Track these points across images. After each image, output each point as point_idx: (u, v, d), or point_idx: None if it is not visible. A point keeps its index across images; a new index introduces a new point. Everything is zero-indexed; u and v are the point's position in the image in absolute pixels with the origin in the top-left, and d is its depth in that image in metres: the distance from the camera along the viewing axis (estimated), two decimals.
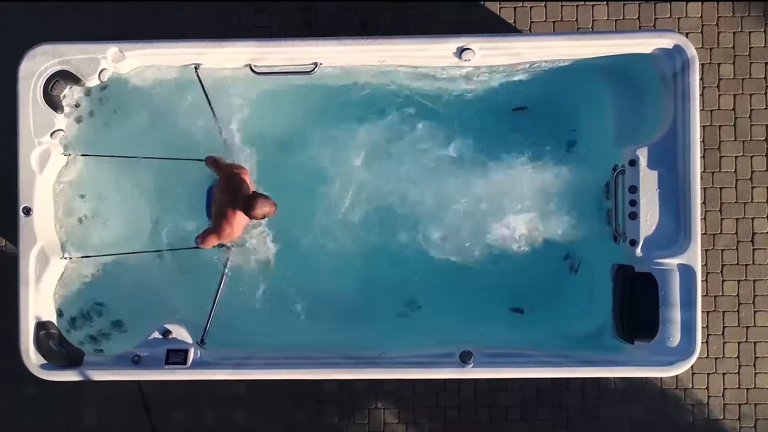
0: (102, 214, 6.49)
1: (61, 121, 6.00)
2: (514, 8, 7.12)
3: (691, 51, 5.73)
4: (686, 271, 5.73)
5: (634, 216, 5.84)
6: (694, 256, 5.72)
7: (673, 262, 5.76)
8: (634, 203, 5.84)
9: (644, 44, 5.84)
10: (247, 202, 5.53)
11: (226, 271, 6.16)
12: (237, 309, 6.30)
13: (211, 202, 6.10)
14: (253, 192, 5.68)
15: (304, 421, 7.12)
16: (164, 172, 6.43)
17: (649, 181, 5.79)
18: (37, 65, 5.89)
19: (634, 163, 5.82)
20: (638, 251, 5.83)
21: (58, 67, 5.91)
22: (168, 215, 6.55)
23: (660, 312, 5.76)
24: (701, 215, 6.01)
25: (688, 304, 5.72)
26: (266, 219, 5.90)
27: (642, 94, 6.08)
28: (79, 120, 6.21)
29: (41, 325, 5.96)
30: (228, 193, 5.75)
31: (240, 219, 5.69)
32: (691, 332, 5.72)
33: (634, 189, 5.83)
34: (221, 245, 6.16)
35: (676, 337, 5.74)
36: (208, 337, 6.03)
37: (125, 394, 7.10)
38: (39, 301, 5.97)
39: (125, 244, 6.41)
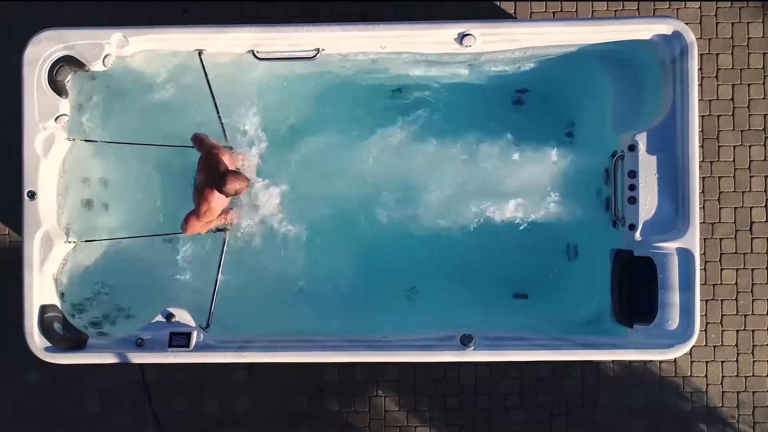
0: (106, 199, 6.54)
1: (65, 106, 6.05)
2: (515, 1, 7.17)
3: (690, 37, 5.79)
4: (685, 255, 5.79)
5: (633, 200, 5.89)
6: (693, 239, 5.78)
7: (671, 246, 5.81)
8: (633, 188, 5.89)
9: (643, 30, 5.90)
10: (219, 179, 5.67)
11: (224, 255, 6.18)
12: (239, 294, 6.33)
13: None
14: (225, 169, 5.76)
15: (305, 408, 7.15)
16: (167, 157, 6.47)
17: (648, 166, 5.84)
18: (42, 50, 5.94)
19: (633, 148, 5.87)
20: (637, 235, 5.89)
21: (63, 53, 5.96)
22: (171, 200, 6.58)
23: (659, 295, 5.81)
24: (700, 204, 6.05)
25: (686, 287, 5.78)
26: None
27: (641, 81, 6.14)
28: (83, 105, 6.27)
29: (45, 308, 6.00)
30: (204, 173, 5.88)
31: (216, 197, 5.80)
32: (690, 315, 5.77)
33: (633, 174, 5.88)
34: (218, 230, 6.21)
35: (675, 320, 5.79)
36: (212, 321, 6.07)
37: (127, 381, 7.12)
38: (43, 285, 6.01)
39: (129, 229, 6.47)
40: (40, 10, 7.15)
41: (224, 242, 6.22)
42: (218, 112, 6.16)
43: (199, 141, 5.97)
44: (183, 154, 6.36)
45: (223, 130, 6.21)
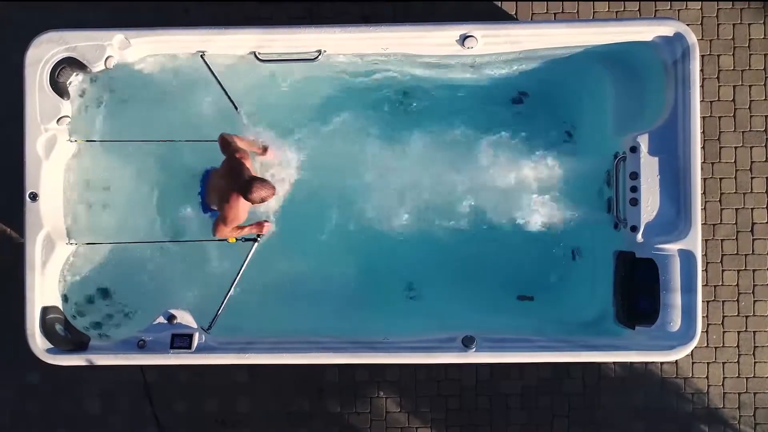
0: (108, 201, 6.52)
1: (67, 107, 6.04)
2: (516, 2, 7.17)
3: (692, 38, 5.79)
4: (687, 256, 5.78)
5: (635, 202, 5.89)
6: (694, 241, 5.77)
7: (673, 247, 5.80)
8: (635, 189, 5.89)
9: (645, 32, 5.89)
10: (246, 187, 5.65)
11: (245, 265, 6.12)
12: (241, 295, 6.29)
13: (207, 188, 6.21)
14: (251, 176, 5.76)
15: (306, 409, 7.15)
16: (170, 159, 6.47)
17: (650, 167, 5.84)
18: (44, 52, 5.93)
19: (635, 149, 5.87)
20: (639, 237, 5.88)
21: (65, 54, 5.95)
22: (174, 203, 6.57)
23: (661, 297, 5.80)
24: (701, 206, 6.05)
25: (688, 288, 5.77)
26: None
27: (643, 82, 6.13)
28: (85, 107, 6.25)
29: (47, 310, 5.98)
30: (228, 178, 5.85)
31: (242, 203, 5.79)
32: (692, 317, 5.76)
33: (635, 175, 5.88)
34: (247, 239, 6.19)
35: (676, 322, 5.79)
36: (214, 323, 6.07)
37: (127, 381, 7.13)
38: (45, 286, 5.99)
39: (131, 231, 6.45)
40: (40, 11, 7.15)
41: (249, 252, 6.14)
42: (235, 107, 6.13)
43: (224, 143, 5.93)
44: (185, 155, 6.38)
45: (241, 123, 6.18)
